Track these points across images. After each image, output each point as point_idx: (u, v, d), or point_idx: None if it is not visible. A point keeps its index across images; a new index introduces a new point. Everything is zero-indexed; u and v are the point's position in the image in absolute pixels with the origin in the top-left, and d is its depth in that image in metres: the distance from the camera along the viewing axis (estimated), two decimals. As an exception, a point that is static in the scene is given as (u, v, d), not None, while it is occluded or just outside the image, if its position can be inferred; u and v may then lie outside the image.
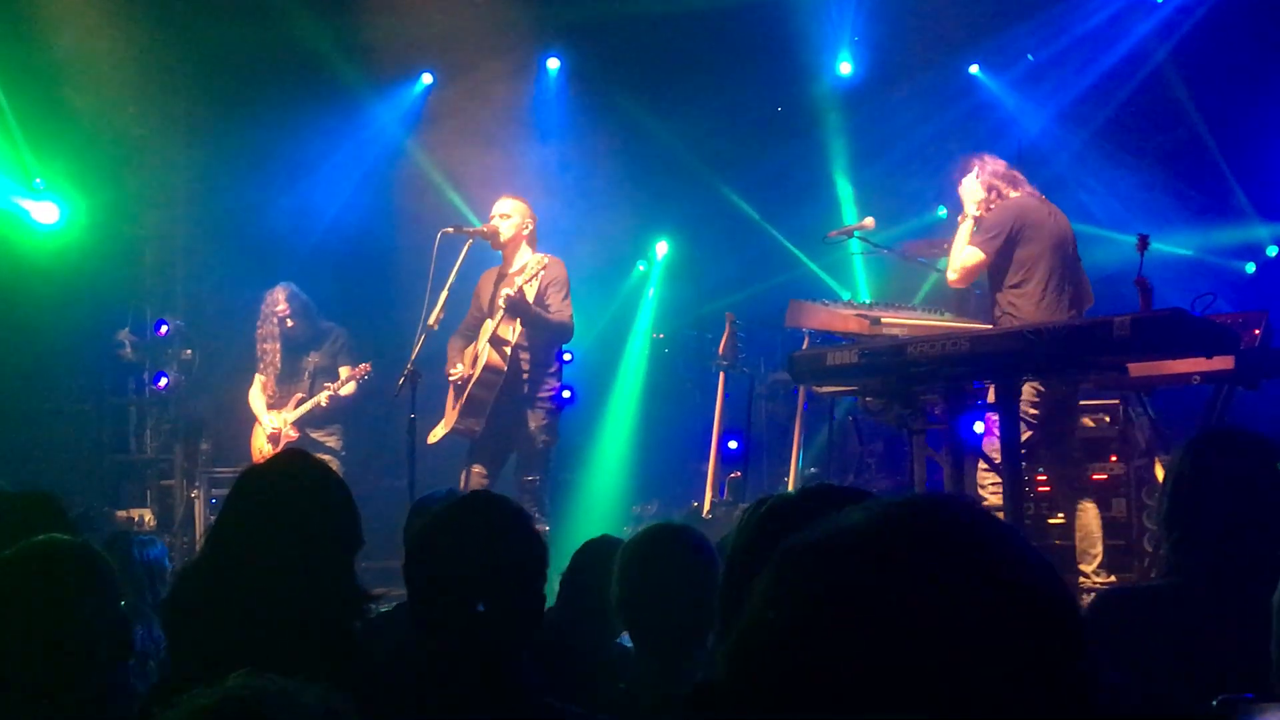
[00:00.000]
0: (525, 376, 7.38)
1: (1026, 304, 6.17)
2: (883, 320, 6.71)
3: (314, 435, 8.44)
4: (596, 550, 3.80)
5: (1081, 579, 6.07)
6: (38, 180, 8.86)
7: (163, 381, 9.66)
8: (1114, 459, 7.11)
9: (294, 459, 2.85)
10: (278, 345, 8.50)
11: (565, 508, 8.80)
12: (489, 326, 7.37)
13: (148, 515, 9.15)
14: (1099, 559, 6.12)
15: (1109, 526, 6.45)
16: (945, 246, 8.21)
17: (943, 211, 10.08)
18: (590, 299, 9.20)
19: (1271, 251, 9.64)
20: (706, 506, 8.16)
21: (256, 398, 8.59)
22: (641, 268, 11.17)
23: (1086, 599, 5.75)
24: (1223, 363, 5.73)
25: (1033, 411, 5.96)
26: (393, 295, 9.14)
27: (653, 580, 2.95)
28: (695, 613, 2.82)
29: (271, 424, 8.44)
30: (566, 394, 7.66)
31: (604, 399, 10.65)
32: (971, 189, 6.51)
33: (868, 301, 7.50)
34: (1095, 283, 6.58)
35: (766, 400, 9.47)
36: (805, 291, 8.10)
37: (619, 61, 10.41)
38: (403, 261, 9.13)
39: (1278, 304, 6.89)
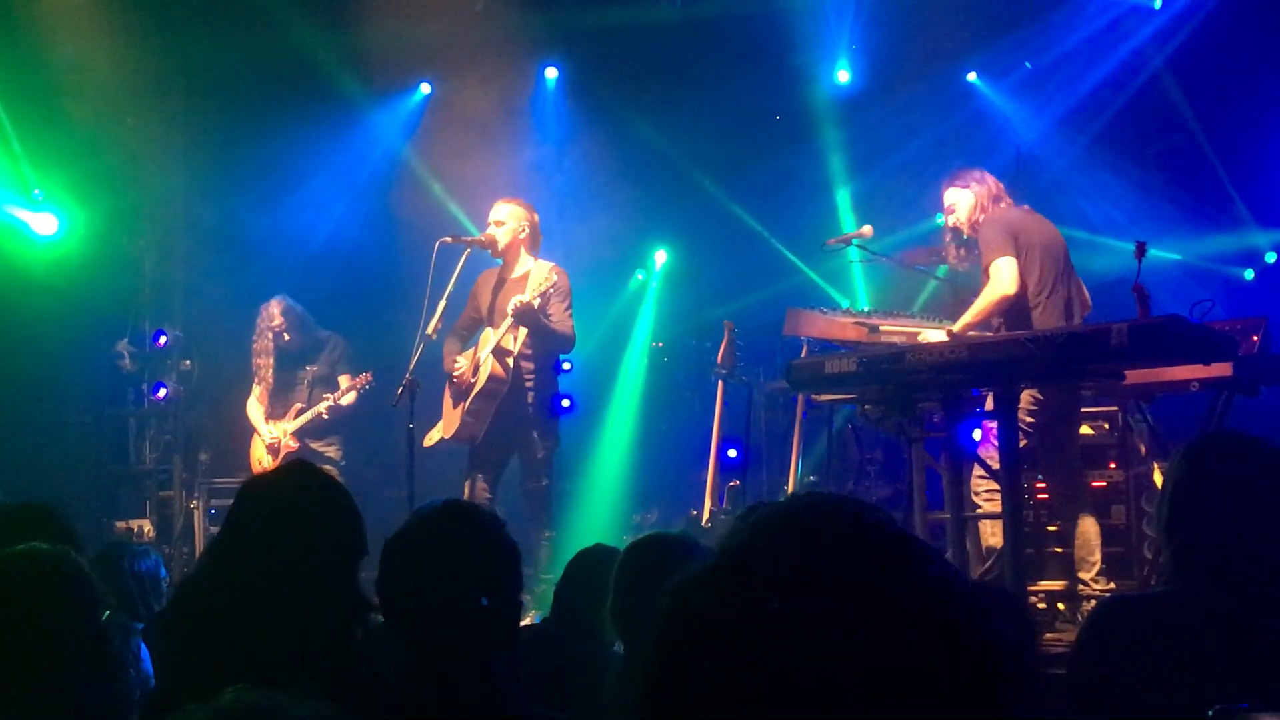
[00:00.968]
0: (528, 385, 7.40)
1: (1023, 312, 6.16)
2: (881, 328, 6.73)
3: (313, 445, 8.44)
4: (590, 559, 3.80)
5: (1081, 586, 6.06)
6: (36, 191, 8.87)
7: (161, 392, 9.66)
8: (1113, 466, 7.10)
9: (296, 468, 2.85)
10: (271, 360, 8.51)
11: (565, 516, 8.79)
12: (490, 336, 7.37)
13: (147, 526, 9.15)
14: (1098, 566, 6.11)
15: (1108, 534, 6.44)
16: (943, 254, 8.23)
17: (941, 219, 10.07)
18: (589, 307, 9.19)
19: (1270, 258, 9.65)
20: (705, 515, 8.16)
21: (255, 409, 8.59)
22: (640, 276, 11.18)
23: (1087, 607, 5.76)
24: (1221, 369, 5.72)
25: (1030, 419, 5.96)
26: (391, 304, 9.14)
27: (647, 591, 2.94)
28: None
29: (270, 434, 8.44)
30: (566, 403, 7.66)
31: (603, 407, 10.65)
32: (964, 201, 6.49)
33: (866, 309, 7.50)
34: (1093, 290, 6.57)
35: (765, 408, 9.46)
36: (804, 299, 8.09)
37: (617, 70, 10.42)
38: (401, 270, 9.13)
39: (1276, 310, 6.89)
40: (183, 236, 10.03)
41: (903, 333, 6.73)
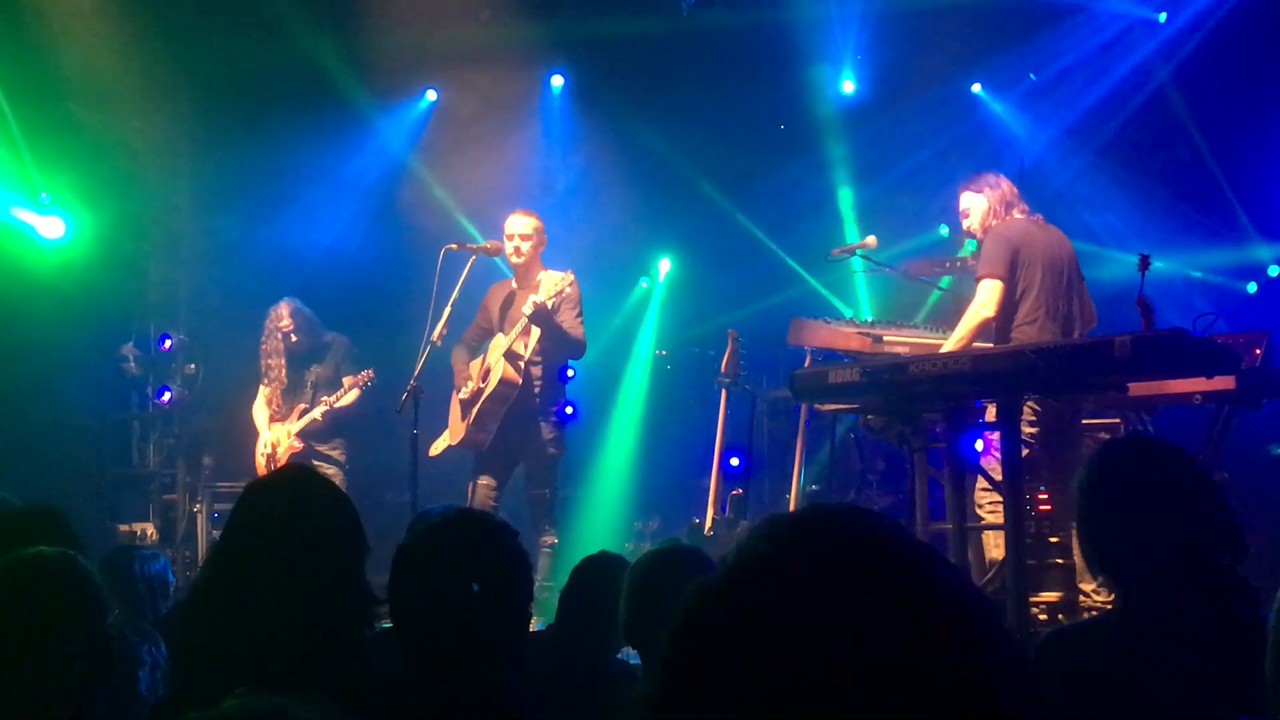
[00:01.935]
0: (536, 390, 7.42)
1: (1024, 325, 6.18)
2: (884, 338, 6.74)
3: (318, 448, 8.45)
4: (596, 566, 3.81)
5: (1082, 598, 6.06)
6: (43, 195, 8.89)
7: (166, 396, 9.68)
8: (1115, 477, 7.09)
9: (295, 471, 2.86)
10: (282, 360, 8.52)
11: (567, 523, 8.80)
12: (501, 341, 7.39)
13: (150, 529, 9.16)
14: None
15: (1110, 545, 6.43)
16: (947, 265, 8.26)
17: (945, 230, 10.11)
18: (593, 314, 9.20)
19: (1273, 271, 9.65)
20: (708, 523, 8.17)
21: (260, 411, 8.60)
22: (644, 284, 11.20)
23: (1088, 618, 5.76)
24: (1224, 382, 5.73)
25: (1030, 430, 5.96)
26: (396, 311, 9.16)
27: (660, 601, 2.96)
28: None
29: (275, 436, 8.46)
30: (569, 409, 7.69)
31: (606, 415, 10.66)
32: (978, 206, 6.50)
33: (870, 319, 7.53)
34: (1097, 302, 6.58)
35: (768, 417, 9.48)
36: (807, 309, 8.11)
37: (623, 79, 10.45)
38: (406, 277, 9.14)
39: (1279, 324, 6.90)
40: (188, 241, 10.06)
41: (906, 343, 6.74)
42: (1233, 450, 6.44)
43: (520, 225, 7.55)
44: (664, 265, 11.07)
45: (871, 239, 7.69)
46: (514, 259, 7.52)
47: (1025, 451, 5.83)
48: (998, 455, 5.81)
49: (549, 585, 6.61)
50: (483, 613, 2.45)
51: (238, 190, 9.83)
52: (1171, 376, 5.69)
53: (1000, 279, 6.13)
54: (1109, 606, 5.76)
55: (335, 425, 8.48)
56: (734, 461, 8.79)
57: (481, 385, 7.40)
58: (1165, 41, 9.75)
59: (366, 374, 8.39)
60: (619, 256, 10.42)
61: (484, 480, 7.46)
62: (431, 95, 10.56)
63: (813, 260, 10.25)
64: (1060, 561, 6.41)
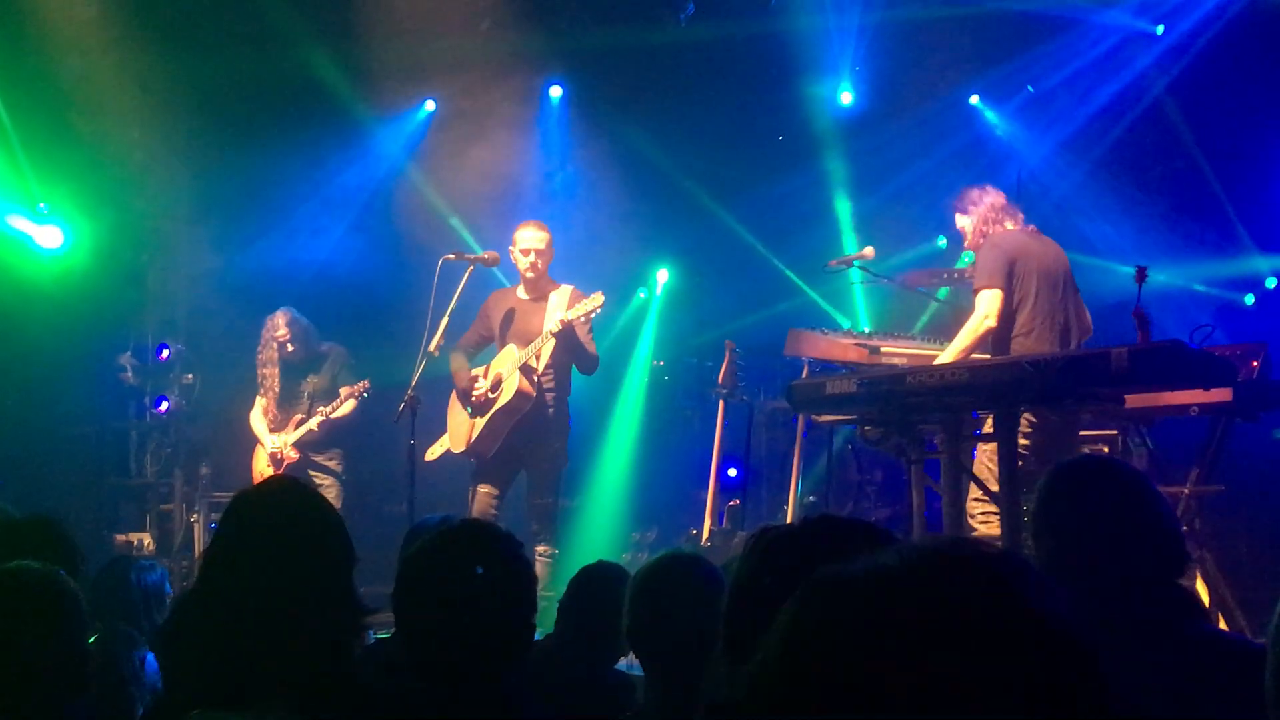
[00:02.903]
0: (549, 400, 7.43)
1: (1021, 336, 6.18)
2: (882, 349, 6.75)
3: (315, 458, 8.44)
4: (595, 576, 3.81)
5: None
6: (42, 205, 8.90)
7: (163, 405, 9.68)
8: (1113, 489, 7.09)
9: (279, 482, 2.86)
10: (277, 370, 8.52)
11: (565, 534, 8.80)
12: (513, 353, 7.36)
13: (147, 539, 9.17)
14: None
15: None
16: (945, 276, 8.26)
17: (942, 241, 10.12)
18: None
19: (1270, 283, 9.66)
20: (705, 534, 8.16)
21: (258, 420, 8.60)
22: (642, 295, 11.21)
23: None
24: (1221, 394, 5.75)
25: (1026, 442, 5.96)
26: (393, 321, 9.16)
27: (664, 610, 2.96)
28: (707, 642, 2.83)
29: (273, 445, 8.45)
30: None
31: (604, 425, 10.66)
32: (968, 224, 6.52)
33: (867, 331, 7.54)
34: (1094, 314, 6.59)
35: (766, 428, 9.48)
36: (805, 320, 8.13)
37: (621, 90, 10.45)
38: (403, 287, 9.15)
39: (1276, 336, 6.91)
40: (186, 251, 10.05)
41: (903, 354, 6.75)
42: (1230, 457, 6.46)
43: (534, 239, 7.54)
44: (662, 276, 11.08)
45: (869, 250, 7.69)
46: (529, 274, 7.52)
47: (1021, 463, 5.83)
48: (988, 464, 5.83)
49: (548, 595, 6.60)
50: (488, 624, 2.45)
51: (236, 200, 9.83)
52: (1168, 388, 5.70)
53: (1000, 289, 6.13)
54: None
55: (332, 436, 8.47)
56: (731, 472, 8.79)
57: (492, 395, 7.38)
58: (1162, 54, 9.77)
59: (363, 385, 8.39)
60: (617, 267, 10.42)
61: (484, 488, 7.45)
62: (430, 105, 10.57)
63: (810, 271, 10.27)
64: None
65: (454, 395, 7.64)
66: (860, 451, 8.57)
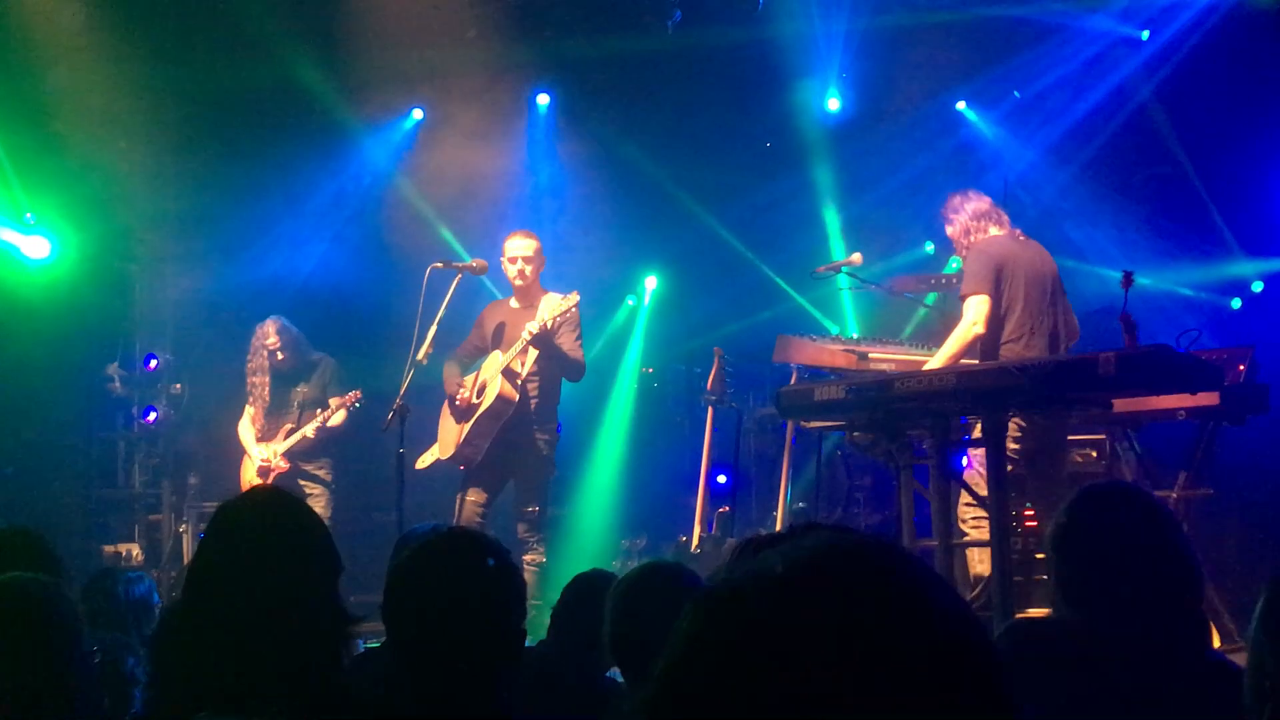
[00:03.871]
0: (533, 407, 7.43)
1: (1010, 341, 6.19)
2: (870, 355, 6.76)
3: (304, 467, 8.42)
4: (587, 584, 3.81)
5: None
6: (28, 215, 8.87)
7: (151, 416, 9.65)
8: (1101, 494, 7.11)
9: (262, 492, 2.86)
10: (267, 379, 8.50)
11: (554, 541, 8.80)
12: (498, 359, 7.38)
13: (135, 550, 9.13)
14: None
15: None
16: (932, 281, 8.28)
17: (930, 247, 10.14)
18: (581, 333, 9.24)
19: (1256, 287, 9.69)
20: (695, 541, 8.16)
21: (246, 430, 8.58)
22: (630, 302, 11.21)
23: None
24: (1208, 398, 5.77)
25: (1015, 446, 5.97)
26: (381, 329, 9.15)
27: (644, 618, 2.96)
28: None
29: (261, 456, 8.43)
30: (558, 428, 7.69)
31: (593, 433, 10.66)
32: (955, 233, 6.53)
33: (855, 336, 7.55)
34: (1081, 318, 6.60)
35: (755, 435, 9.49)
36: (793, 326, 8.13)
37: (608, 98, 10.47)
38: (391, 296, 9.14)
39: (1263, 339, 6.94)
40: (173, 261, 10.04)
41: (892, 360, 6.75)
42: (1218, 460, 6.48)
43: (522, 248, 7.56)
44: (650, 283, 11.09)
45: (857, 256, 7.70)
46: (517, 282, 7.54)
47: (1010, 468, 5.84)
48: (981, 470, 5.83)
49: (536, 603, 6.61)
50: (479, 632, 2.45)
51: (224, 210, 9.82)
52: (1156, 393, 5.72)
53: (988, 295, 6.14)
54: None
55: (322, 445, 8.45)
56: (721, 479, 8.79)
57: (476, 400, 7.39)
58: (1148, 59, 9.80)
59: (354, 395, 8.38)
60: (605, 274, 10.43)
61: (472, 496, 7.45)
62: (418, 114, 10.56)
63: (799, 277, 10.28)
64: (1045, 578, 6.42)
65: (445, 403, 7.65)
66: (849, 457, 8.58)
